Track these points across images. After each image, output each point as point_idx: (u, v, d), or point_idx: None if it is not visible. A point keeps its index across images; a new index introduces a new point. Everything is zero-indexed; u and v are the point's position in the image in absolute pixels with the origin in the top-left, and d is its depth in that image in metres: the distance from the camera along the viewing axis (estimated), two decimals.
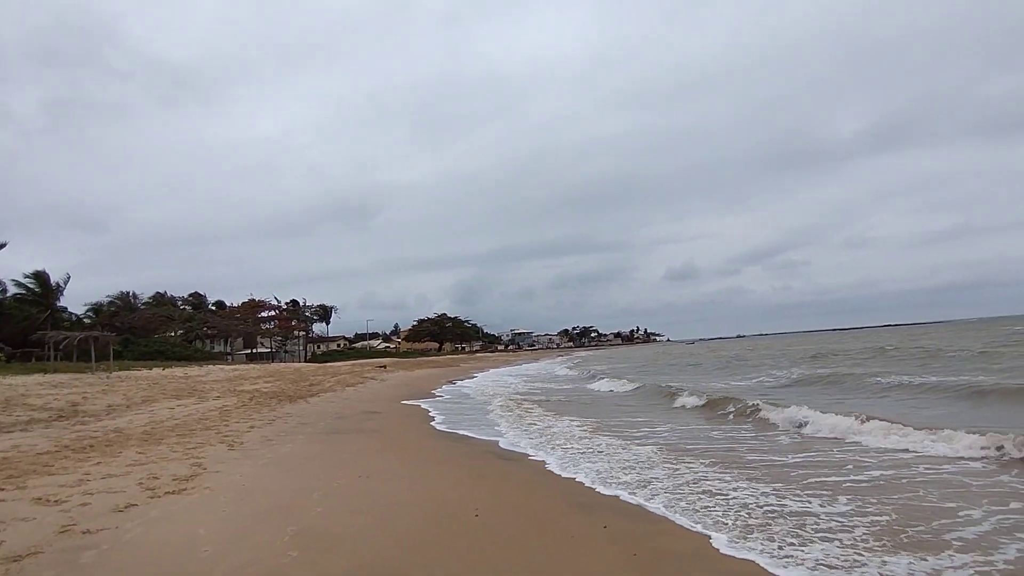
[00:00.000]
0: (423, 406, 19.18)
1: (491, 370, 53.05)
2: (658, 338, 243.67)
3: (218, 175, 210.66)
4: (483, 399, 21.45)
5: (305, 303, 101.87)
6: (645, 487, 7.17)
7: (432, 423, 14.51)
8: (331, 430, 12.64)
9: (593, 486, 7.30)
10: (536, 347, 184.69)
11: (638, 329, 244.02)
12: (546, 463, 8.83)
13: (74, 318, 53.16)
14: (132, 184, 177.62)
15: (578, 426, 12.79)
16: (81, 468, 7.88)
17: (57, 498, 6.26)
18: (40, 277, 47.14)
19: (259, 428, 12.57)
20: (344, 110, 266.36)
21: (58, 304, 48.53)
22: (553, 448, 10.20)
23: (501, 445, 10.72)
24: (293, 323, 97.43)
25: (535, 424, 13.55)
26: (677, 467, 8.24)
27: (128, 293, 74.15)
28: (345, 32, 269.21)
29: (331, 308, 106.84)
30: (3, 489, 6.63)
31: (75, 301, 71.87)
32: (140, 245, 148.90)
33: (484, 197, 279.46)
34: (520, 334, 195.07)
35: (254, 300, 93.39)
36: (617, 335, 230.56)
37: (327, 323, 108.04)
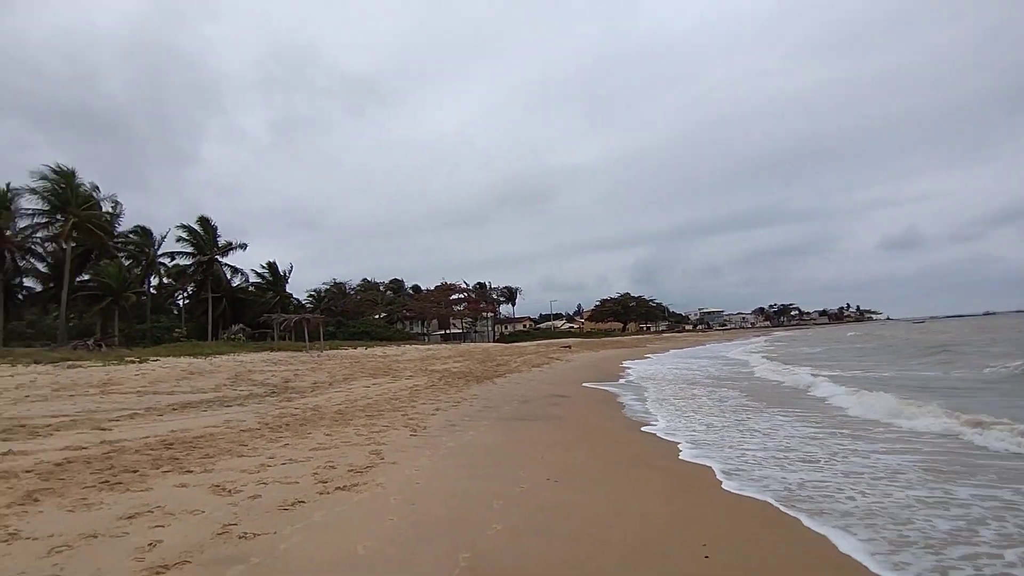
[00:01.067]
0: (611, 390, 17.70)
1: (685, 349, 49.92)
2: (874, 316, 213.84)
3: (402, 172, 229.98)
4: (672, 386, 19.33)
5: (491, 285, 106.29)
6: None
7: (623, 411, 12.95)
8: (516, 416, 11.71)
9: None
10: (728, 327, 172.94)
11: (848, 306, 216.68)
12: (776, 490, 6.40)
13: (297, 302, 60.66)
14: (336, 187, 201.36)
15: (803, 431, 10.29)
16: (268, 450, 7.70)
17: (233, 486, 5.87)
18: (272, 266, 54.58)
19: (444, 411, 12.08)
20: (513, 99, 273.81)
21: (285, 290, 55.54)
22: (785, 465, 7.79)
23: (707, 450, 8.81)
24: (481, 305, 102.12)
25: (746, 423, 11.29)
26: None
27: (341, 282, 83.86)
28: (508, 21, 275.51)
29: (516, 290, 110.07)
30: (192, 472, 6.48)
31: (298, 289, 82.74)
32: (345, 239, 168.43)
33: (660, 172, 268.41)
34: (709, 313, 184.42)
35: (446, 284, 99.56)
36: (823, 313, 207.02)
37: (513, 304, 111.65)
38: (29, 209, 35.92)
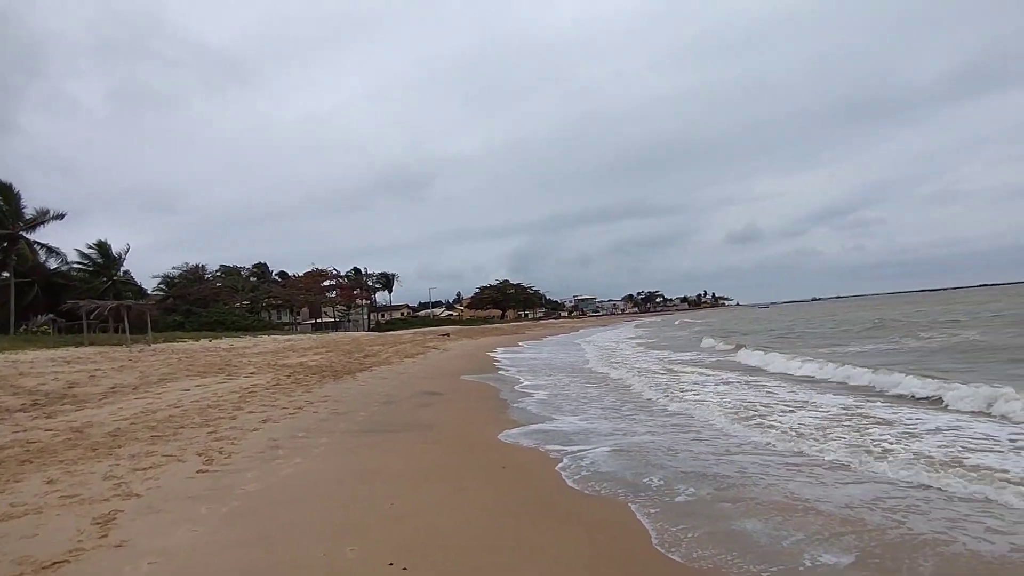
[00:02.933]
0: (492, 383, 15.45)
1: (560, 336, 49.24)
2: (726, 302, 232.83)
3: (273, 156, 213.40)
4: (564, 373, 17.53)
5: (367, 272, 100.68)
6: None
7: (507, 412, 10.67)
8: (370, 426, 8.97)
9: None
10: (600, 313, 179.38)
11: (705, 293, 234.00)
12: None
13: (138, 289, 52.47)
14: (193, 167, 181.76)
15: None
16: None
17: None
18: (102, 247, 46.38)
19: (275, 423, 9.07)
20: (392, 85, 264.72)
21: (120, 275, 47.62)
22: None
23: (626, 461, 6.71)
24: (356, 292, 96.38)
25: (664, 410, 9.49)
26: None
27: (197, 266, 74.53)
28: (386, 4, 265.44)
29: (393, 276, 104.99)
30: None
31: (148, 275, 72.46)
32: (207, 225, 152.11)
33: (536, 164, 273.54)
34: (583, 300, 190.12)
35: (317, 269, 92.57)
36: (684, 300, 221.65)
37: (390, 292, 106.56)
38: None
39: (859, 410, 8.92)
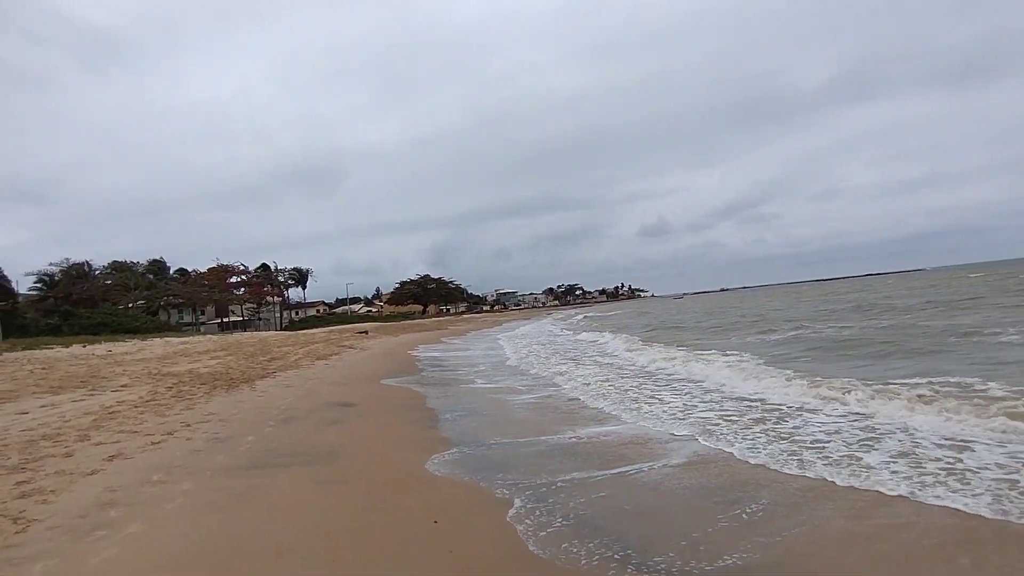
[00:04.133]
0: (416, 388, 13.61)
1: (483, 330, 47.65)
2: (642, 294, 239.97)
3: (166, 142, 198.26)
4: (494, 372, 15.93)
5: (278, 267, 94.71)
6: None
7: (436, 426, 8.91)
8: (255, 459, 6.91)
9: None
10: (522, 306, 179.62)
11: (622, 286, 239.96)
12: None
13: (11, 289, 45.95)
14: (71, 153, 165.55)
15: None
16: None
17: None
18: None
19: (128, 458, 6.85)
20: (296, 72, 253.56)
21: None
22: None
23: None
24: (266, 288, 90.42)
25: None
26: None
27: (81, 262, 66.73)
28: None
29: (307, 271, 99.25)
30: None
31: (19, 272, 64.25)
32: (91, 216, 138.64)
33: (449, 158, 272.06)
34: (505, 294, 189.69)
35: (221, 265, 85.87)
36: (602, 292, 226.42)
37: (304, 288, 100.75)
38: None
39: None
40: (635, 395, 10.64)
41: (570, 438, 7.64)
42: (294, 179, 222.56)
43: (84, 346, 25.84)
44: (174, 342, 31.14)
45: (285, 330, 71.35)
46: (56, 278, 60.68)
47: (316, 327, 73.02)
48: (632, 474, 5.87)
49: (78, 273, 64.18)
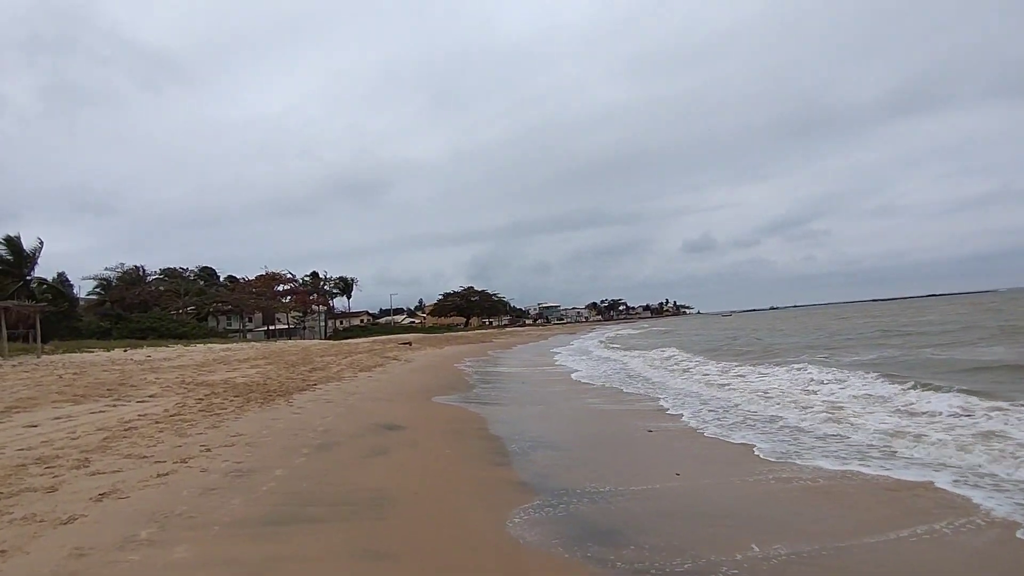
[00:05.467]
0: (472, 408, 11.87)
1: (529, 344, 45.76)
2: (687, 310, 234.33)
3: (221, 157, 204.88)
4: (561, 390, 14.06)
5: (325, 276, 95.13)
6: None
7: (508, 462, 7.11)
8: (279, 506, 5.23)
9: None
10: (565, 321, 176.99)
11: (667, 302, 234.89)
12: None
13: (56, 291, 46.61)
14: (132, 167, 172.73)
15: None
16: None
17: None
18: (12, 243, 40.70)
19: (123, 497, 5.30)
20: (348, 88, 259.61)
21: (33, 274, 41.89)
22: None
23: None
24: (312, 297, 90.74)
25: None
26: None
27: (137, 267, 68.12)
28: (338, 6, 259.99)
29: (352, 281, 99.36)
30: None
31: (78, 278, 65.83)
32: (150, 227, 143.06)
33: (494, 171, 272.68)
34: (548, 308, 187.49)
35: (270, 272, 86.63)
36: (646, 308, 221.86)
37: (349, 297, 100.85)
38: None
39: None
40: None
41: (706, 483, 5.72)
42: (341, 191, 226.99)
43: (125, 350, 25.17)
44: (216, 349, 30.39)
45: (329, 339, 71.09)
46: (112, 283, 61.86)
47: (360, 337, 72.54)
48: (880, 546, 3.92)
49: (132, 278, 65.37)
